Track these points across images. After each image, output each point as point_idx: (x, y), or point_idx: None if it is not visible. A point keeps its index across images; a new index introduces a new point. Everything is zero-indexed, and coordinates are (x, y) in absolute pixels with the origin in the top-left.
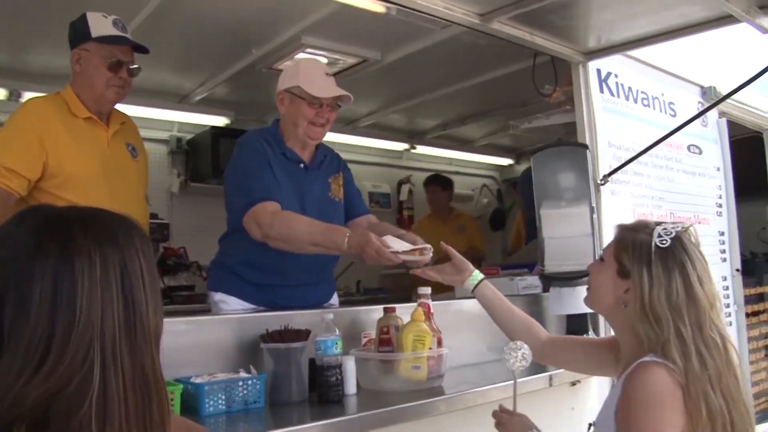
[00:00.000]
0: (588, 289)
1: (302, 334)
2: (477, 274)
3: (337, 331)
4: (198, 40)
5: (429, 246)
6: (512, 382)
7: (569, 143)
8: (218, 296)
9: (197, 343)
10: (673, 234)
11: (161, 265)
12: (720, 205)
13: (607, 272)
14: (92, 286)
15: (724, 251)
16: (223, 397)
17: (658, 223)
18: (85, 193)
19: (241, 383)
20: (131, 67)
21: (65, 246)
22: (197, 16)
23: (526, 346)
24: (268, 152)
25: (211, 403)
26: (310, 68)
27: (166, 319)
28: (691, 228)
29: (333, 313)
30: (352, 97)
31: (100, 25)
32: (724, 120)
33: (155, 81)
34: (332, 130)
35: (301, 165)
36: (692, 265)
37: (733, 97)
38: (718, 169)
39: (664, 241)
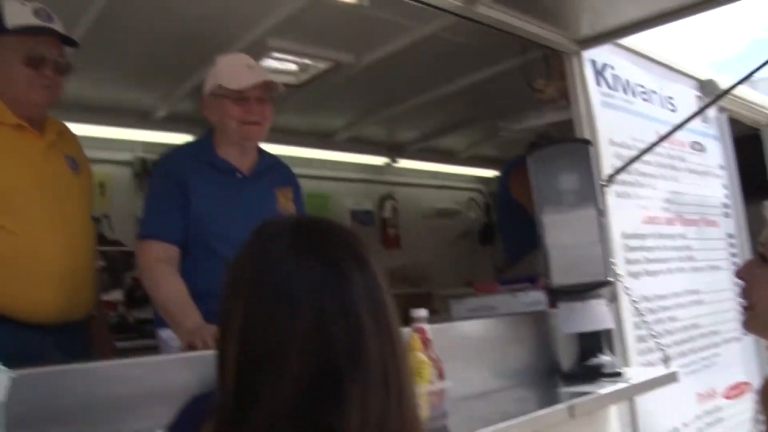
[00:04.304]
0: (750, 308)
1: None
2: None
3: None
4: (151, 48)
5: None
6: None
7: (569, 140)
8: (166, 334)
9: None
10: None
11: (129, 296)
12: (727, 206)
13: None
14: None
15: (734, 254)
16: None
17: None
18: (17, 213)
19: None
20: (58, 60)
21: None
22: (146, 20)
23: None
24: (183, 171)
25: None
26: (230, 62)
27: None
28: None
29: None
30: (281, 85)
31: (18, 13)
32: (725, 115)
33: (110, 97)
34: (307, 146)
35: (238, 174)
36: None
37: (731, 92)
38: (722, 168)
39: None
